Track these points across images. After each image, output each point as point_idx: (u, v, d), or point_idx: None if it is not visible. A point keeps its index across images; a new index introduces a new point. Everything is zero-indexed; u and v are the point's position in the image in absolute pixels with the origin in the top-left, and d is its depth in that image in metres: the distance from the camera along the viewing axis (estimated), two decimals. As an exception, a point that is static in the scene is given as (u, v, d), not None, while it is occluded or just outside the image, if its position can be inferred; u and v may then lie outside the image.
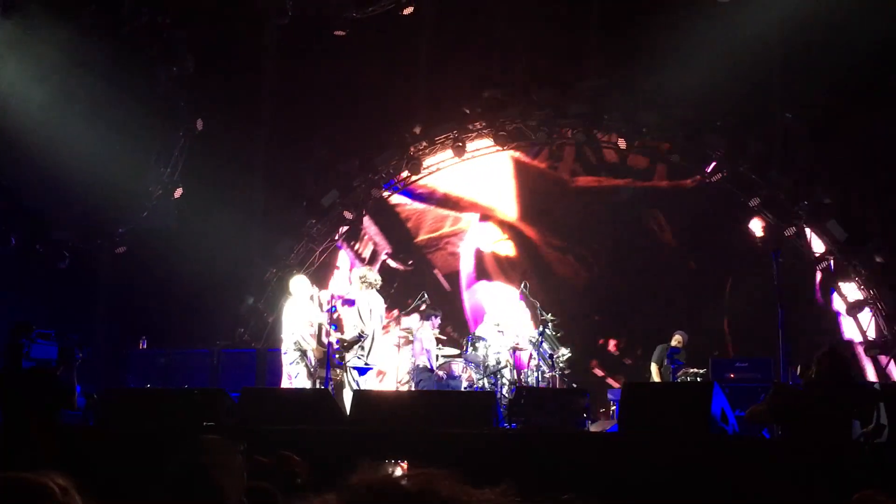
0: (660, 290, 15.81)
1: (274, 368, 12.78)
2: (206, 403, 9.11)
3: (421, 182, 17.28)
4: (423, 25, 16.58)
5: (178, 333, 14.96)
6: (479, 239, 17.10)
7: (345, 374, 11.85)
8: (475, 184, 17.20)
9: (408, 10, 15.34)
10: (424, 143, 16.77)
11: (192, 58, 14.70)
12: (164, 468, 3.26)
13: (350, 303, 13.01)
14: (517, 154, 16.94)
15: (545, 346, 13.33)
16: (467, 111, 16.62)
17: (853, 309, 14.55)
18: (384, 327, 13.37)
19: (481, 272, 16.93)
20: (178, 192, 15.32)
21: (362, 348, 11.52)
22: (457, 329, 15.65)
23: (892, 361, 14.04)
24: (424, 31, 16.63)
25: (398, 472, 1.45)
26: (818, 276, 14.99)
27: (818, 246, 14.93)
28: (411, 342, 13.61)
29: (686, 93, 15.02)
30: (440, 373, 13.27)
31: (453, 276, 17.01)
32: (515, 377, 13.02)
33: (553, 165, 16.97)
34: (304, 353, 11.59)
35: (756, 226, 15.53)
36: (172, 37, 14.53)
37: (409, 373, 13.49)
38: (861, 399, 7.31)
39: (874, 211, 14.62)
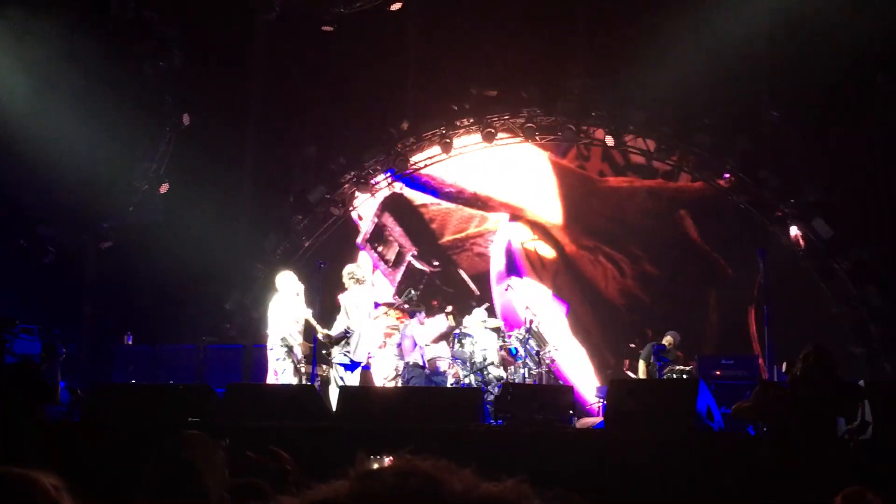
0: (693, 292, 15.79)
1: (260, 364, 12.73)
2: (192, 399, 9.09)
3: (449, 181, 17.17)
4: (411, 21, 16.57)
5: (163, 329, 14.91)
6: (510, 237, 16.94)
7: (331, 370, 11.80)
8: (503, 183, 17.03)
9: (396, 6, 15.31)
10: (412, 140, 16.74)
11: (179, 53, 14.65)
12: (147, 463, 3.25)
13: (374, 306, 13.07)
14: (546, 153, 16.89)
15: (532, 342, 13.35)
16: (455, 108, 16.60)
17: (839, 306, 14.61)
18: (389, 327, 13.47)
19: (511, 268, 16.82)
20: (164, 188, 15.26)
21: (348, 344, 11.46)
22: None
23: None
24: (412, 27, 16.62)
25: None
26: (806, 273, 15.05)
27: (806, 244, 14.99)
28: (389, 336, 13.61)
29: (673, 91, 15.06)
30: (426, 370, 13.29)
31: (481, 277, 16.81)
32: (502, 373, 13.03)
33: (581, 165, 16.95)
34: (290, 350, 11.53)
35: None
36: (159, 32, 14.48)
37: (395, 369, 13.49)
38: (846, 396, 7.34)
39: (860, 209, 14.67)
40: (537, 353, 13.46)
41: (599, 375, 15.57)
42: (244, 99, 17.00)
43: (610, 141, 15.89)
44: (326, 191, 16.60)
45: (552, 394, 10.07)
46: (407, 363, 13.13)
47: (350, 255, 16.07)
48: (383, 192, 17.25)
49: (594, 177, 16.83)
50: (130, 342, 14.46)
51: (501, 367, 13.15)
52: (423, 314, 13.71)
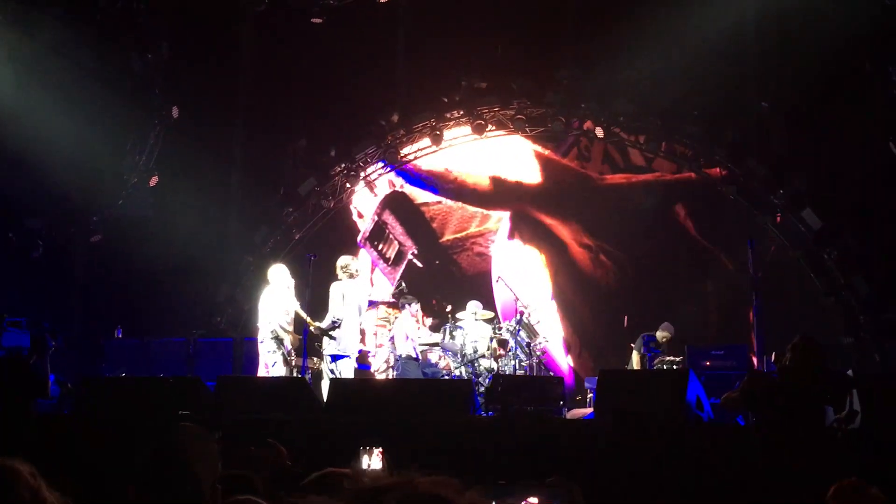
0: (691, 285, 15.83)
1: (250, 357, 12.73)
2: (182, 392, 9.08)
3: (450, 176, 17.12)
4: (401, 13, 16.54)
5: (153, 322, 14.88)
6: (509, 233, 16.96)
7: (322, 362, 11.83)
8: (504, 181, 17.01)
9: (385, -3, 15.29)
10: (402, 132, 16.72)
11: (168, 45, 14.59)
12: (138, 455, 3.25)
13: (373, 304, 13.08)
14: (546, 152, 16.88)
15: (522, 334, 13.38)
16: (445, 100, 16.59)
17: (828, 296, 14.67)
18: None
19: (514, 234, 16.83)
20: (154, 181, 15.23)
21: (337, 336, 11.50)
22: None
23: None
24: (402, 19, 16.58)
25: (404, 479, 1.44)
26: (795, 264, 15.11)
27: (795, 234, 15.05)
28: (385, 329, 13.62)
29: (662, 82, 15.09)
30: (420, 362, 13.31)
31: (481, 277, 16.75)
32: (493, 365, 13.05)
33: (582, 165, 16.94)
34: (280, 342, 11.54)
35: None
36: (147, 23, 14.42)
37: (385, 361, 13.51)
38: (834, 386, 7.38)
39: (849, 199, 14.73)
40: (528, 344, 13.49)
41: (594, 366, 15.59)
42: (234, 91, 16.94)
43: (600, 132, 15.91)
44: (317, 183, 16.57)
45: (543, 385, 10.10)
46: (400, 356, 13.14)
47: (340, 247, 16.01)
48: (384, 190, 17.23)
49: (594, 175, 16.84)
50: (120, 336, 14.44)
51: (492, 359, 13.18)
52: (413, 306, 13.72)
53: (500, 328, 13.69)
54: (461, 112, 16.47)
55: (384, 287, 16.74)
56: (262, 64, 16.79)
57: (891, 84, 13.38)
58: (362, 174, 16.91)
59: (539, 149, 16.86)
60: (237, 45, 16.74)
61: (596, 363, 15.59)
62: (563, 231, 16.77)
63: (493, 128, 16.53)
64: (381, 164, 16.82)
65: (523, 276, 16.23)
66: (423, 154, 16.91)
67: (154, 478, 3.14)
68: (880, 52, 13.51)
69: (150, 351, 13.86)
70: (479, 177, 17.11)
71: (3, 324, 10.22)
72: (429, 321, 15.02)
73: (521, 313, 13.62)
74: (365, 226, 17.16)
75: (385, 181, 17.17)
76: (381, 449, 4.43)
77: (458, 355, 13.12)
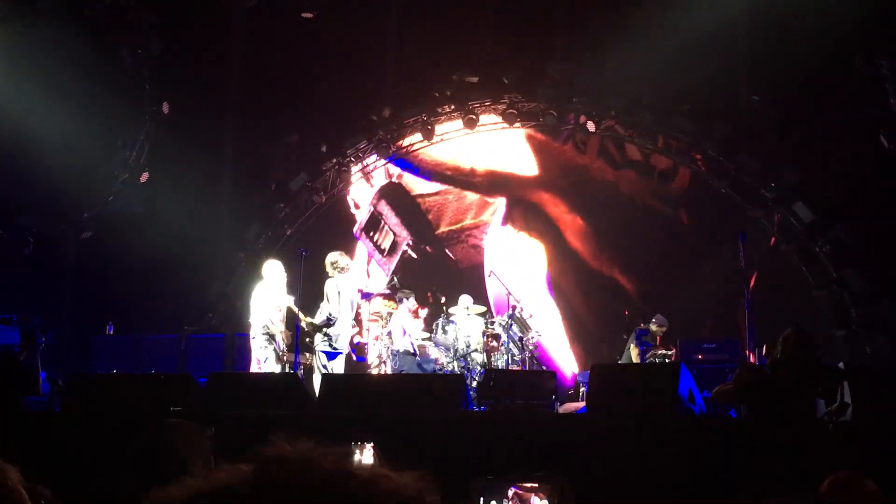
0: (690, 280, 15.86)
1: (242, 353, 12.71)
2: (174, 389, 9.05)
3: (448, 164, 17.12)
4: (392, 7, 16.51)
5: (145, 318, 14.83)
6: (504, 220, 16.95)
7: (314, 357, 11.81)
8: (499, 167, 17.02)
9: (375, -8, 15.26)
10: (394, 127, 16.71)
11: (158, 40, 14.53)
12: (131, 451, 3.24)
13: (368, 296, 13.06)
14: (542, 139, 16.86)
15: (514, 328, 13.39)
16: (436, 94, 16.57)
17: (820, 289, 14.72)
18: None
19: (507, 221, 16.83)
20: (145, 177, 15.18)
21: (330, 332, 11.49)
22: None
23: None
24: (392, 13, 16.55)
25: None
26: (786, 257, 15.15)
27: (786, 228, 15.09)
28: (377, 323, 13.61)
29: (654, 76, 15.11)
30: (417, 357, 13.32)
31: (475, 269, 16.75)
32: (485, 360, 13.06)
33: (578, 156, 16.93)
34: (272, 338, 11.53)
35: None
36: (137, 18, 14.35)
37: (378, 356, 13.50)
38: (825, 378, 7.40)
39: (840, 193, 14.76)
40: (520, 339, 13.51)
41: (588, 360, 15.61)
42: (224, 87, 16.89)
43: (591, 126, 15.92)
44: (308, 178, 16.54)
45: (535, 379, 10.10)
46: (397, 351, 13.12)
47: (333, 242, 15.98)
48: (380, 181, 17.22)
49: (590, 166, 16.82)
50: (111, 332, 14.40)
51: (485, 354, 13.19)
52: (411, 301, 13.74)
53: (492, 322, 13.69)
54: (452, 106, 16.46)
55: (380, 278, 16.74)
56: (253, 59, 16.73)
57: (881, 77, 13.40)
58: (353, 168, 16.90)
59: (533, 133, 16.82)
60: (228, 40, 16.67)
61: (589, 356, 15.63)
62: (559, 217, 16.76)
63: (487, 122, 16.53)
64: (375, 157, 16.83)
65: (517, 265, 16.25)
66: (415, 149, 16.91)
67: (146, 473, 3.13)
68: (871, 46, 13.53)
69: (142, 348, 13.83)
70: (474, 165, 17.10)
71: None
72: (423, 312, 14.99)
73: (514, 308, 13.63)
74: (361, 217, 17.16)
75: (382, 171, 17.17)
76: (372, 444, 4.43)
77: (451, 350, 13.12)
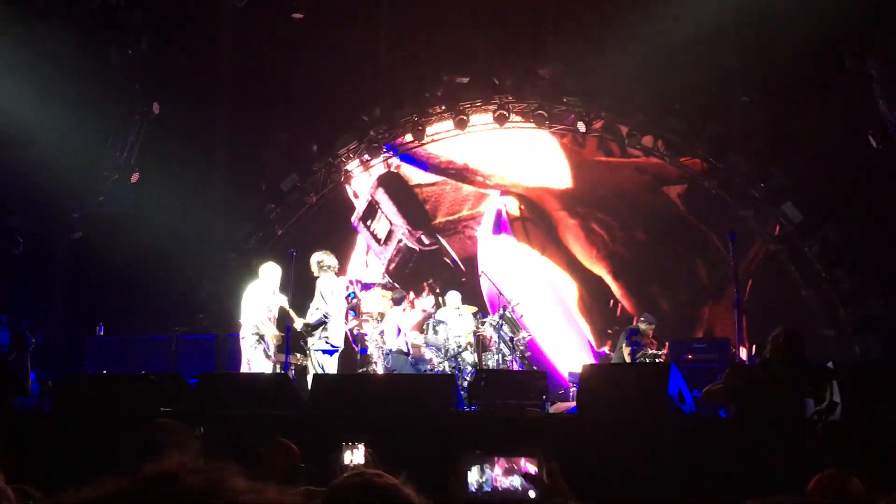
0: (681, 280, 15.89)
1: (233, 354, 12.71)
2: (164, 389, 9.03)
3: (446, 157, 17.09)
4: (383, 8, 16.52)
5: (135, 319, 14.81)
6: (498, 210, 16.94)
7: (308, 359, 11.83)
8: (496, 158, 17.03)
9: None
10: (384, 127, 16.72)
11: (147, 40, 14.50)
12: (119, 450, 3.24)
13: (368, 287, 13.05)
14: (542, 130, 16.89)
15: (505, 328, 13.39)
16: (427, 95, 16.58)
17: (809, 289, 14.77)
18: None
19: (500, 227, 16.82)
20: (135, 177, 15.13)
21: (326, 330, 11.53)
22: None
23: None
24: (383, 14, 16.56)
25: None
26: (775, 257, 15.20)
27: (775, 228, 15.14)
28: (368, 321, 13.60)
29: (644, 77, 15.14)
30: (410, 357, 13.32)
31: (470, 261, 16.80)
32: (476, 360, 13.07)
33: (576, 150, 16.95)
34: (261, 338, 11.55)
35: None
36: (127, 18, 14.32)
37: (370, 355, 13.48)
38: (814, 378, 7.42)
39: (830, 193, 14.81)
40: (511, 339, 13.51)
41: (580, 358, 15.64)
42: (215, 87, 16.87)
43: (582, 127, 15.95)
44: (299, 179, 16.54)
45: (525, 379, 10.10)
46: (390, 350, 13.12)
47: (324, 242, 15.96)
48: (379, 169, 17.22)
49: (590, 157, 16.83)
50: (102, 333, 14.36)
51: (475, 354, 13.19)
52: (407, 301, 13.75)
53: (482, 322, 13.68)
54: (443, 107, 16.48)
55: (378, 268, 16.74)
56: (244, 59, 16.72)
57: (870, 78, 13.45)
58: (349, 165, 16.91)
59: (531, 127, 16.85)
60: (218, 41, 16.67)
61: (583, 355, 15.70)
62: (555, 212, 16.77)
63: (485, 119, 16.53)
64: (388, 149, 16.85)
65: (508, 268, 16.25)
66: (406, 149, 16.92)
67: (132, 467, 3.12)
68: (860, 47, 13.58)
69: (132, 348, 13.80)
70: (469, 158, 17.10)
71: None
72: (421, 302, 14.99)
73: (505, 307, 13.64)
74: (360, 206, 17.17)
75: (381, 161, 17.18)
76: (363, 444, 4.44)
77: (442, 350, 13.12)
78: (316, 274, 11.80)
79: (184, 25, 15.44)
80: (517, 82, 16.15)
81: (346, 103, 16.78)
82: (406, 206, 17.16)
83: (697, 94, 15.12)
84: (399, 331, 13.37)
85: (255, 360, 11.52)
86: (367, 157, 16.86)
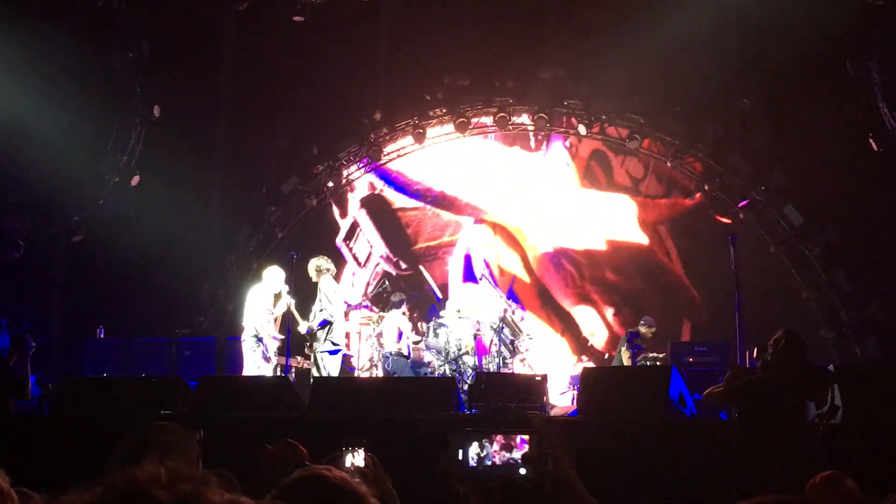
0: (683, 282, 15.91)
1: (234, 357, 12.72)
2: (164, 392, 9.04)
3: (420, 180, 17.00)
4: (383, 10, 16.51)
5: (135, 322, 14.80)
6: (471, 242, 16.85)
7: (314, 363, 11.90)
8: (473, 184, 16.94)
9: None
10: (385, 130, 16.70)
11: (148, 43, 14.50)
12: (116, 451, 3.22)
13: (357, 307, 13.24)
14: (522, 152, 16.85)
15: (506, 331, 13.37)
16: (427, 97, 16.57)
17: (810, 291, 14.76)
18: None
19: (469, 275, 16.70)
20: (136, 180, 15.12)
21: (332, 331, 11.68)
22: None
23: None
24: (384, 16, 16.55)
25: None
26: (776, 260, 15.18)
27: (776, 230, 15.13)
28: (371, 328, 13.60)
29: (645, 80, 15.14)
30: (410, 360, 13.30)
31: (447, 288, 16.72)
32: (476, 363, 13.04)
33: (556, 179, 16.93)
34: (260, 340, 11.61)
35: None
36: (128, 22, 14.32)
37: (370, 359, 13.47)
38: (816, 381, 7.41)
39: (830, 195, 14.80)
40: (512, 342, 13.49)
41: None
42: (215, 90, 16.87)
43: (582, 130, 15.95)
44: (299, 182, 16.53)
45: (526, 382, 10.09)
46: (389, 353, 13.11)
47: (324, 246, 15.97)
48: (362, 192, 17.17)
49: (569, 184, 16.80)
50: (102, 336, 14.34)
51: (476, 356, 13.16)
52: (405, 303, 13.77)
53: (478, 328, 13.61)
54: (444, 110, 16.47)
55: (360, 289, 16.61)
56: (244, 62, 16.72)
57: (871, 81, 13.45)
58: (345, 172, 16.88)
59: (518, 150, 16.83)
60: (218, 44, 16.66)
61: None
62: (527, 238, 16.69)
63: (479, 127, 16.52)
64: (362, 165, 16.80)
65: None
66: (406, 152, 16.89)
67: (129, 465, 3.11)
68: (860, 49, 13.58)
69: (133, 351, 13.78)
70: (447, 181, 17.03)
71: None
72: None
73: (505, 310, 13.62)
74: (344, 226, 17.11)
75: (365, 182, 17.13)
76: (363, 448, 4.42)
77: (442, 353, 13.11)
78: (315, 279, 11.95)
79: (184, 29, 15.43)
80: (518, 85, 16.15)
81: (347, 106, 16.76)
82: (387, 230, 17.06)
83: (698, 96, 15.12)
84: (401, 334, 13.36)
85: (254, 361, 11.59)
86: (358, 165, 16.81)
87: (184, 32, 15.46)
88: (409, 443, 7.65)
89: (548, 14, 16.23)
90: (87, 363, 13.61)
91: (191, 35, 15.65)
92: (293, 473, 2.25)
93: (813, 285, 14.78)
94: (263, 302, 11.79)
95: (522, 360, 13.61)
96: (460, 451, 2.94)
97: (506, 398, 8.97)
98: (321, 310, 11.76)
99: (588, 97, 15.77)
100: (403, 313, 13.71)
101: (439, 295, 16.33)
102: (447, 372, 12.83)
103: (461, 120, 16.28)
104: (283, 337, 11.86)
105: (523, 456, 3.25)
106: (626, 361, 13.38)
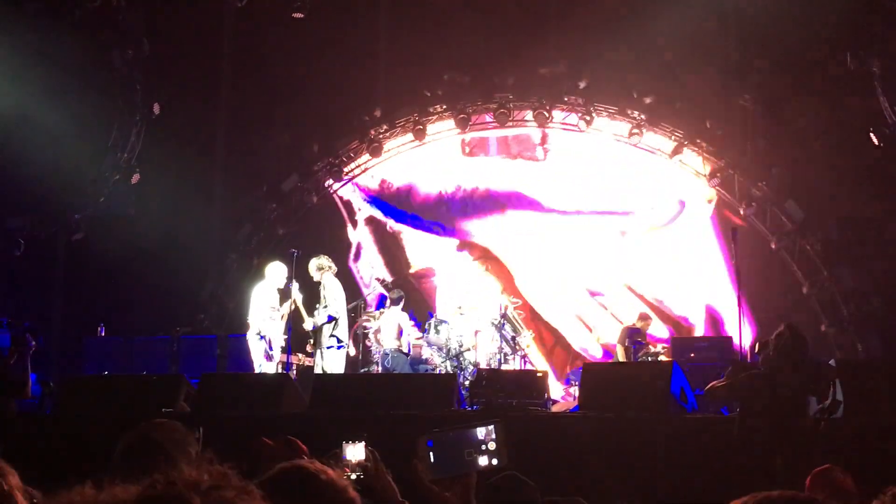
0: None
1: (235, 355, 12.73)
2: (165, 390, 9.03)
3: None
4: (383, 7, 16.49)
5: (136, 320, 14.80)
6: (455, 266, 16.72)
7: (317, 357, 11.94)
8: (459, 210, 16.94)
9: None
10: (385, 126, 16.69)
11: (147, 41, 14.49)
12: (117, 448, 3.22)
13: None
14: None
15: (507, 328, 13.37)
16: (427, 94, 16.56)
17: (811, 287, 14.76)
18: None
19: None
20: (136, 178, 15.11)
21: (337, 326, 11.80)
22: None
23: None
24: (383, 13, 16.53)
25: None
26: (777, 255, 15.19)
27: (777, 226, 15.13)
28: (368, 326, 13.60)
29: (646, 76, 15.13)
30: (409, 357, 13.31)
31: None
32: (477, 359, 13.04)
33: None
34: (262, 338, 11.63)
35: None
36: (127, 19, 14.30)
37: (369, 354, 13.48)
38: (817, 376, 7.41)
39: (831, 190, 14.80)
40: (513, 338, 13.49)
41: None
42: (215, 87, 16.85)
43: (583, 126, 15.94)
44: (299, 179, 16.52)
45: (527, 379, 10.10)
46: (388, 350, 13.11)
47: (325, 242, 15.93)
48: (364, 214, 17.12)
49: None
50: (103, 334, 14.34)
51: (477, 353, 13.15)
52: (402, 303, 13.77)
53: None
54: (444, 106, 16.46)
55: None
56: (244, 59, 16.70)
57: (871, 76, 13.43)
58: (345, 169, 16.87)
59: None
60: (218, 41, 16.64)
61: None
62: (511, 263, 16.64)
63: (478, 124, 16.52)
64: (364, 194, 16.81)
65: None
66: (406, 149, 16.88)
67: (131, 473, 3.11)
68: (861, 45, 13.56)
69: (134, 349, 13.77)
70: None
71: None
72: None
73: (506, 307, 13.62)
74: (353, 247, 17.02)
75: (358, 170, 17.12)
76: (363, 441, 4.41)
77: (443, 350, 13.10)
78: (316, 279, 11.97)
79: (184, 26, 15.41)
80: (518, 81, 16.14)
81: (347, 103, 16.74)
82: (386, 250, 17.01)
83: (698, 92, 15.11)
84: (401, 331, 13.36)
85: (256, 358, 11.63)
86: (361, 164, 16.81)
87: (183, 30, 15.44)
88: (410, 439, 7.64)
89: (548, 10, 16.20)
90: (87, 362, 13.60)
91: (191, 33, 15.63)
92: (276, 467, 2.27)
93: (814, 280, 14.78)
94: (267, 299, 11.80)
95: (524, 357, 13.61)
96: (431, 455, 2.89)
97: (507, 394, 8.98)
98: (325, 307, 11.82)
99: (588, 94, 15.76)
100: (403, 310, 13.71)
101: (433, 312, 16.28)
102: (448, 369, 12.82)
103: (461, 116, 16.27)
104: (286, 336, 11.87)
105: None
106: (622, 357, 13.39)
